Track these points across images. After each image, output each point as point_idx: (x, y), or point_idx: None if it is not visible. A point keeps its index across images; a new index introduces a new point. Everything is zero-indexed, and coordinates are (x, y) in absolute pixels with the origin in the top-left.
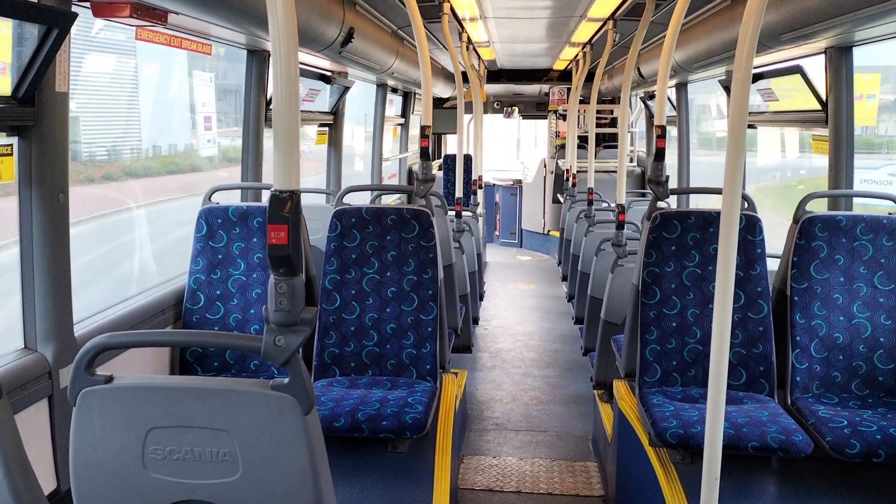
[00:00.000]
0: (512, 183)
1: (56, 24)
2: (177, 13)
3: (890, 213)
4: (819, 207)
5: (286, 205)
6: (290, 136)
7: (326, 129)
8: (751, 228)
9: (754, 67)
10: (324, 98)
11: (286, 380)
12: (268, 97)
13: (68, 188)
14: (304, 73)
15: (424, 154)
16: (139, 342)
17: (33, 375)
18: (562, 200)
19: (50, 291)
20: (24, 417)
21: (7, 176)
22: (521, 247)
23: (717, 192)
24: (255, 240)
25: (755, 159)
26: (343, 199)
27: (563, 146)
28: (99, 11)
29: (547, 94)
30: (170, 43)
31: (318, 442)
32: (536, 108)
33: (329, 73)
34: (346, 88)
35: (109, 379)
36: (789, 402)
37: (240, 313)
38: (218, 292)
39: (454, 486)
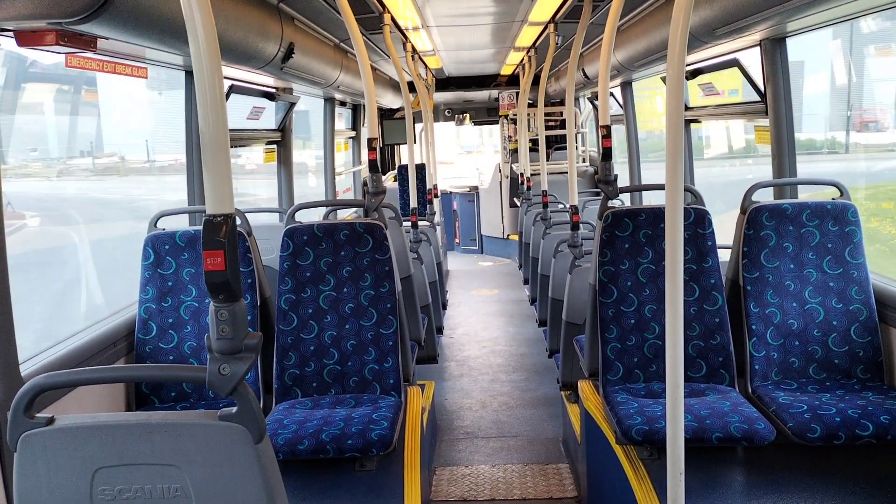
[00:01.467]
0: (468, 189)
1: None
2: (106, 38)
3: (833, 199)
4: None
5: (221, 229)
6: (220, 157)
7: (274, 146)
8: (700, 221)
9: (692, 63)
10: (269, 116)
11: (234, 409)
12: None
13: (3, 223)
14: (247, 91)
15: (373, 167)
16: (79, 380)
17: None
18: (518, 204)
19: None
20: None
21: None
22: (482, 253)
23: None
24: None
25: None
26: (294, 217)
27: (516, 150)
28: (23, 40)
29: (497, 100)
30: (102, 68)
31: (273, 470)
32: (487, 114)
33: (273, 90)
34: (293, 105)
35: (51, 421)
36: (750, 390)
37: (194, 340)
38: (170, 320)
39: (427, 499)
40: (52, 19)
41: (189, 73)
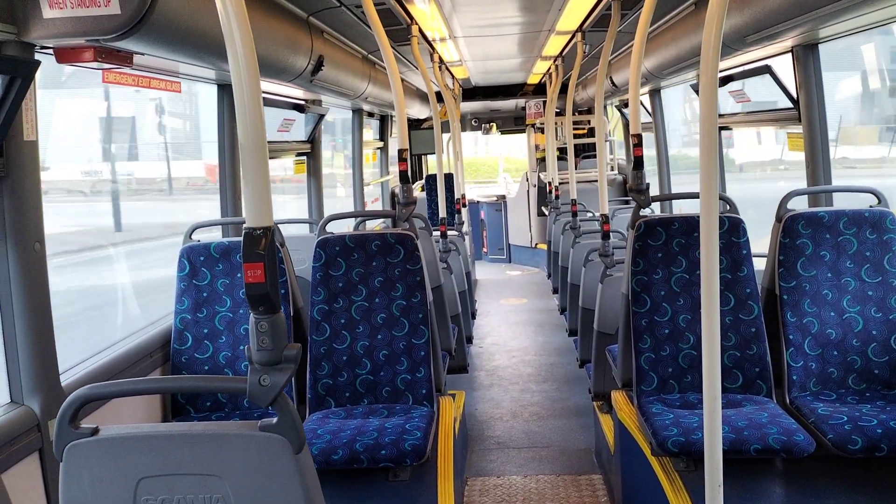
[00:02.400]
0: (496, 199)
1: (19, 74)
2: (142, 54)
3: (871, 207)
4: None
5: (261, 242)
6: (260, 170)
7: (304, 158)
8: (734, 230)
9: (723, 70)
10: (299, 127)
11: (275, 420)
12: None
13: (44, 237)
14: (277, 104)
15: (404, 177)
16: (122, 392)
17: (21, 430)
18: (546, 213)
19: (33, 343)
20: (14, 473)
21: None
22: (509, 262)
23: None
24: (239, 275)
25: None
26: (326, 228)
27: (543, 159)
28: (62, 57)
29: (523, 109)
30: (138, 83)
31: (312, 480)
32: (514, 123)
33: (302, 103)
34: (322, 116)
35: (95, 431)
36: (788, 401)
37: (229, 351)
38: (205, 331)
39: None
40: (90, 36)
41: (221, 87)
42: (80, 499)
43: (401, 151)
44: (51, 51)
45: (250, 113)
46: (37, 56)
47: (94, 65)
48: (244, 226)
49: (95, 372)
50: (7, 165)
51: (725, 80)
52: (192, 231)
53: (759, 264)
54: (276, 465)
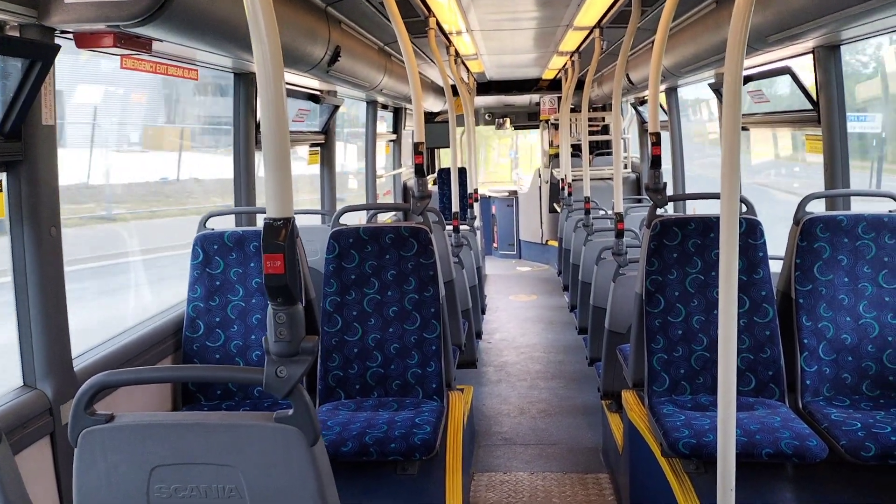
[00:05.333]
0: (508, 194)
1: (39, 58)
2: (161, 40)
3: (891, 212)
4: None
5: (281, 233)
6: (281, 160)
7: (318, 148)
8: (751, 232)
9: (744, 69)
10: (314, 118)
11: (290, 411)
12: (257, 119)
13: (60, 222)
14: (293, 94)
15: (419, 170)
16: (139, 379)
17: (34, 413)
18: (558, 210)
19: (47, 327)
20: (26, 456)
21: None
22: (519, 258)
23: (716, 196)
24: (252, 265)
25: None
26: (339, 220)
27: (556, 155)
28: (82, 42)
29: (538, 104)
30: (155, 70)
31: (326, 472)
32: (528, 119)
33: (318, 93)
34: (336, 107)
35: (110, 418)
36: (800, 406)
37: (240, 340)
38: (217, 319)
39: None
40: (111, 22)
41: (238, 76)
42: (94, 485)
43: (417, 145)
44: (70, 36)
45: (273, 102)
46: (56, 41)
47: (113, 50)
48: (264, 216)
49: (108, 358)
50: (25, 150)
51: (745, 80)
52: (207, 219)
53: (775, 267)
54: (290, 457)
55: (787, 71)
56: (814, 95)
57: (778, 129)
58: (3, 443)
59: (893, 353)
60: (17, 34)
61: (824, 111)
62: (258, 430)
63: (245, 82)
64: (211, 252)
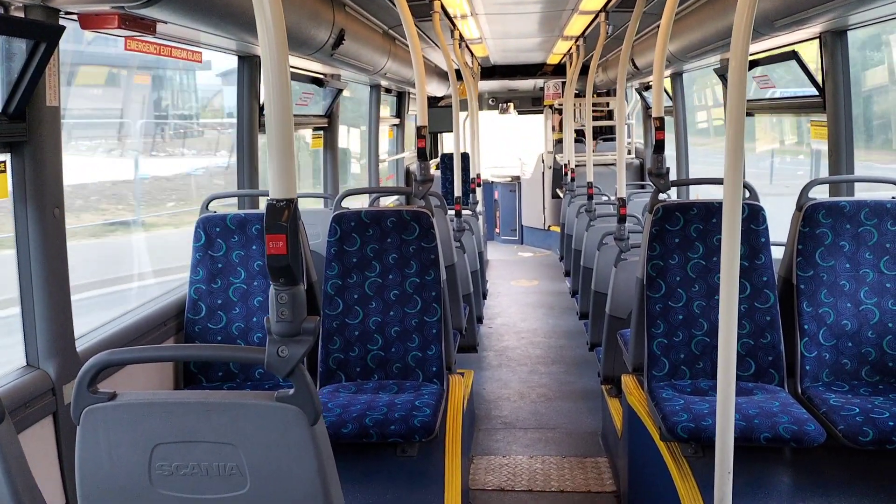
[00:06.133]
0: (510, 179)
1: (44, 38)
2: (165, 22)
3: (893, 198)
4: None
5: (283, 213)
6: (285, 142)
7: (321, 132)
8: (754, 217)
9: (750, 55)
10: (317, 101)
11: (291, 391)
12: (261, 103)
13: (63, 203)
14: (296, 77)
15: (422, 154)
16: (142, 358)
17: (37, 392)
18: (561, 195)
19: (50, 307)
20: (28, 435)
21: (1, 193)
22: (521, 243)
23: (719, 182)
24: (254, 247)
25: None
26: (341, 203)
27: (560, 140)
28: (87, 23)
29: (542, 89)
30: (160, 52)
31: (327, 452)
32: (532, 104)
33: (321, 77)
34: (340, 91)
35: (113, 396)
36: (799, 391)
37: (242, 322)
38: (219, 301)
39: (465, 487)
40: (115, 3)
41: (242, 59)
42: (96, 462)
43: (419, 129)
44: (75, 17)
45: (277, 85)
46: (61, 22)
47: (118, 32)
48: (268, 197)
49: (110, 338)
50: (29, 130)
51: (751, 66)
52: (209, 202)
53: (777, 253)
54: (291, 436)
55: (793, 56)
56: (819, 81)
57: (783, 115)
58: (7, 422)
59: (893, 339)
60: (23, 15)
61: (830, 97)
62: (259, 408)
63: (248, 65)
64: (213, 234)
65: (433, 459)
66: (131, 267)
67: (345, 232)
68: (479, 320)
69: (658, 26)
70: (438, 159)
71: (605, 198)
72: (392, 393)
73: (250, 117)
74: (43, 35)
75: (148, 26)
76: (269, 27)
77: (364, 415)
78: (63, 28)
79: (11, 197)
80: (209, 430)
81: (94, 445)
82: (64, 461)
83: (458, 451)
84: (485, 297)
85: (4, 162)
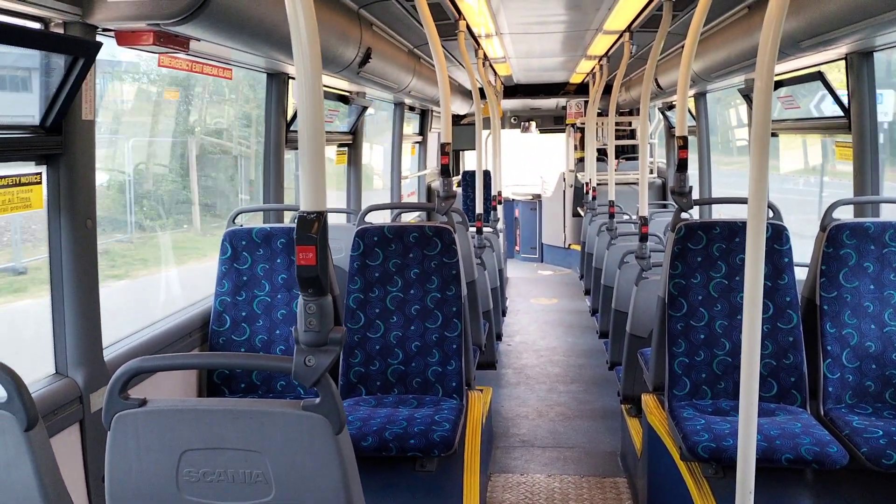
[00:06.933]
0: (531, 197)
1: (81, 54)
2: (199, 40)
3: None
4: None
5: (313, 226)
6: (316, 157)
7: (345, 149)
8: (777, 237)
9: (776, 75)
10: (342, 118)
11: (317, 400)
12: (288, 119)
13: (96, 214)
14: (324, 95)
15: (445, 171)
16: (172, 365)
17: (65, 400)
18: (582, 214)
19: (80, 317)
20: (56, 442)
21: (37, 204)
22: (541, 261)
23: (743, 201)
24: (278, 261)
25: None
26: (364, 218)
27: (581, 159)
28: (123, 40)
29: (564, 108)
30: (191, 68)
31: (350, 461)
32: (554, 122)
33: (347, 94)
34: (365, 108)
35: (143, 402)
36: (822, 413)
37: (265, 334)
38: (243, 314)
39: None
40: (151, 20)
41: (270, 76)
42: (125, 467)
43: (443, 146)
44: (112, 34)
45: (311, 102)
46: (98, 38)
47: (152, 48)
48: (299, 210)
49: (137, 348)
50: (65, 144)
51: (776, 86)
52: (235, 216)
53: (800, 273)
54: (316, 445)
55: (818, 76)
56: (845, 102)
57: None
58: (40, 427)
59: None
60: (62, 31)
61: (855, 118)
62: (285, 417)
63: (277, 82)
64: (239, 248)
65: (452, 475)
66: None
67: (368, 246)
68: (499, 337)
69: (682, 46)
70: (460, 177)
71: (626, 217)
72: (412, 407)
73: (278, 133)
74: (81, 51)
75: (182, 43)
76: (304, 45)
77: (384, 428)
78: (100, 44)
79: (46, 208)
80: (236, 437)
81: (124, 451)
82: (89, 469)
83: (476, 467)
84: (504, 315)
85: (40, 174)
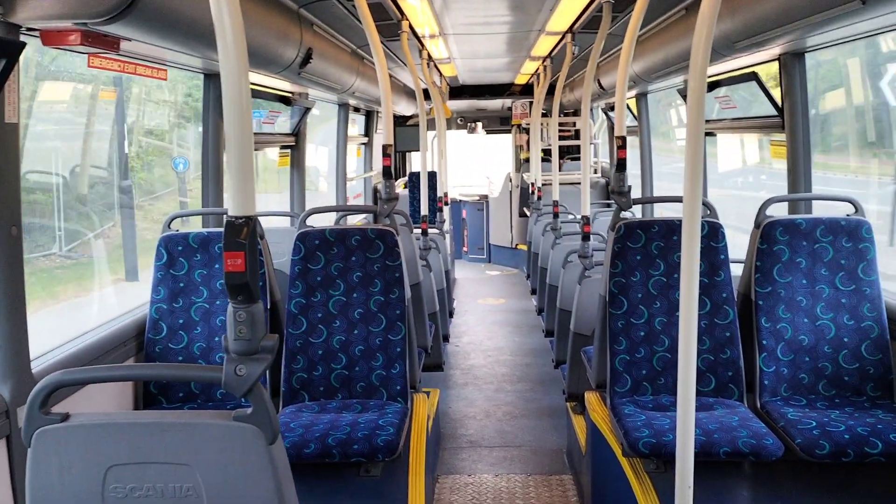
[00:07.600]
0: (479, 198)
1: (3, 55)
2: (129, 39)
3: (848, 216)
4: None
5: (242, 231)
6: (244, 160)
7: (288, 150)
8: (713, 235)
9: (711, 76)
10: (284, 120)
11: (249, 410)
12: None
13: (21, 222)
14: (263, 96)
15: (387, 173)
16: (95, 378)
17: None
18: (528, 214)
19: (5, 327)
20: None
21: None
22: (489, 262)
23: (679, 199)
24: (217, 266)
25: None
26: (306, 221)
27: (527, 160)
28: (48, 40)
29: (510, 109)
30: (123, 69)
31: (285, 472)
32: (500, 123)
33: (289, 95)
34: (307, 109)
35: (65, 417)
36: (759, 406)
37: (204, 342)
38: (181, 321)
39: None
40: (78, 19)
41: (207, 77)
42: (48, 485)
43: (385, 147)
44: (36, 33)
45: (237, 104)
46: (22, 38)
47: (80, 49)
48: (226, 214)
49: (67, 359)
50: None
51: (712, 86)
52: (171, 221)
53: (736, 270)
54: (248, 456)
55: (753, 77)
56: (778, 101)
57: (744, 134)
58: None
59: (849, 353)
60: None
61: (788, 117)
62: (216, 428)
63: (215, 83)
64: (175, 253)
65: (397, 479)
66: None
67: (309, 250)
68: (446, 339)
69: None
70: (406, 178)
71: (570, 216)
72: (356, 412)
73: (216, 135)
74: (3, 51)
75: (111, 43)
76: (229, 43)
77: (327, 434)
78: (24, 44)
79: None
80: (164, 450)
81: (46, 468)
82: (17, 487)
83: (421, 470)
84: (451, 316)
85: None
